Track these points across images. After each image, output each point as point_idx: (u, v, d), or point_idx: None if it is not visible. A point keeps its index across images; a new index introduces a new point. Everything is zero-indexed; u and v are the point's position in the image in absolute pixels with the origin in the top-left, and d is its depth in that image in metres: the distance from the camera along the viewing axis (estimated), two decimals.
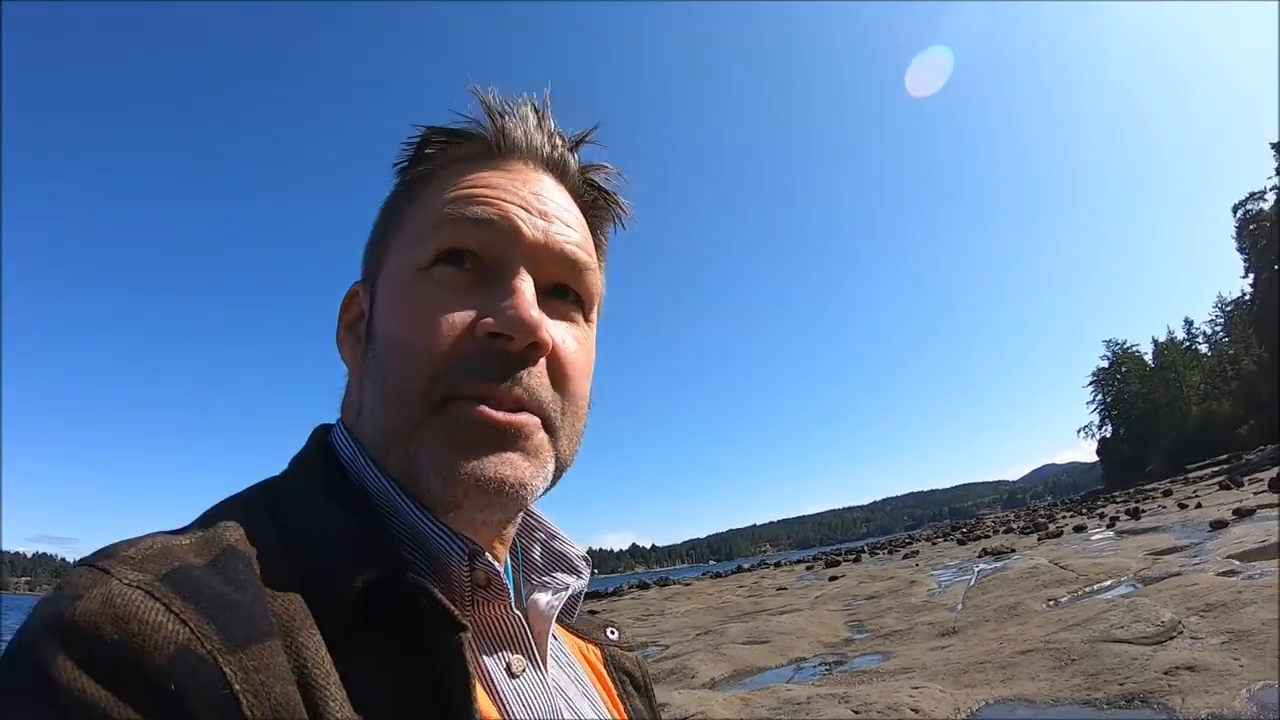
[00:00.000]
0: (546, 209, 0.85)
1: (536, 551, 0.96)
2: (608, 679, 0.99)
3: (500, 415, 0.74)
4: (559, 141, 0.91)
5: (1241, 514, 18.33)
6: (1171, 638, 7.54)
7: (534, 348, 0.77)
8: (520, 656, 0.80)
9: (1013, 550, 25.31)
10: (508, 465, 0.74)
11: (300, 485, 0.79)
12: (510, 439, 0.75)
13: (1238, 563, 11.26)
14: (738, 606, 22.41)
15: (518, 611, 0.81)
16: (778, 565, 57.69)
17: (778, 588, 29.18)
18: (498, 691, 0.75)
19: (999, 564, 20.47)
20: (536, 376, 0.78)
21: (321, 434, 0.87)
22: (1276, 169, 65.76)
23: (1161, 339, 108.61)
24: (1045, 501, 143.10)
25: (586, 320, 0.90)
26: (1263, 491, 24.15)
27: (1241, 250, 71.97)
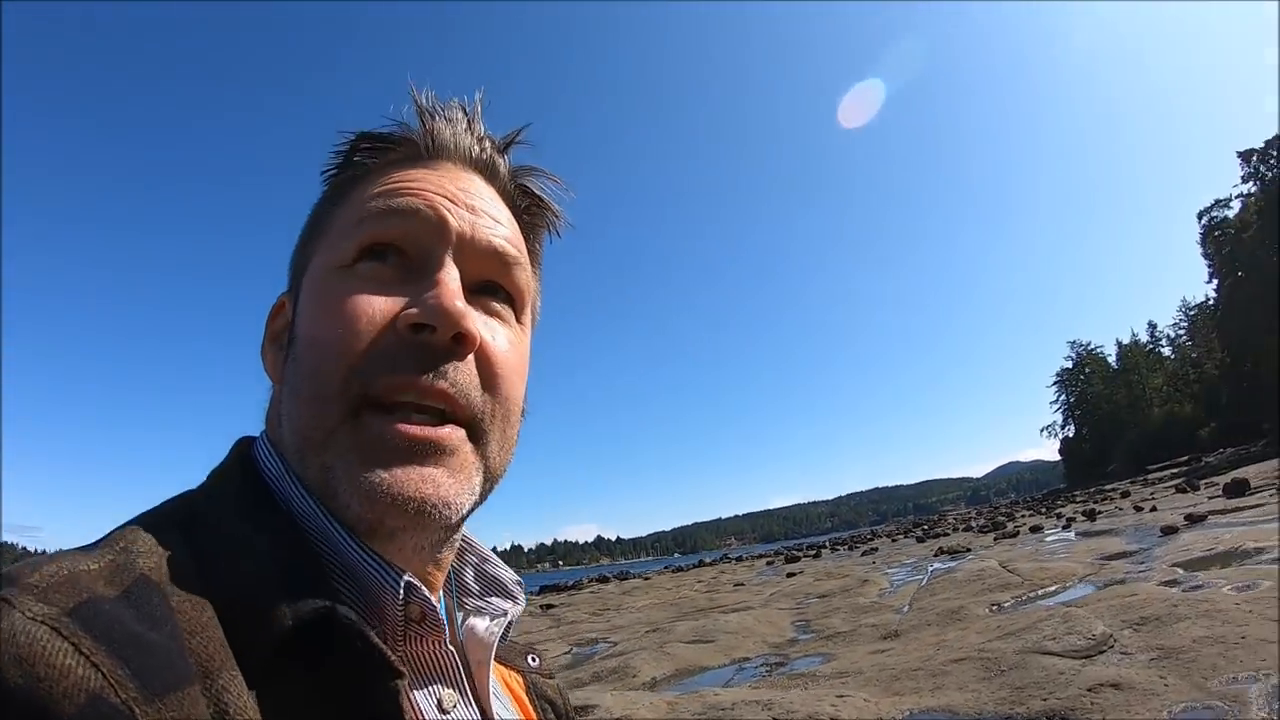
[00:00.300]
0: (474, 203, 0.83)
1: (470, 575, 0.93)
2: (530, 708, 0.97)
3: (417, 430, 0.71)
4: (489, 144, 0.90)
5: (1193, 519, 18.38)
6: (1101, 652, 7.38)
7: (460, 340, 0.74)
8: (452, 691, 0.76)
9: (968, 550, 25.37)
10: (429, 483, 0.70)
11: (220, 504, 0.73)
12: (431, 453, 0.71)
13: (1181, 572, 11.14)
14: (693, 602, 22.28)
15: (451, 648, 0.77)
16: (739, 560, 57.77)
17: (735, 583, 29.12)
18: None
19: (952, 564, 20.53)
20: (464, 373, 0.75)
21: (244, 446, 0.82)
22: (1242, 177, 67.20)
23: (1126, 341, 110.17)
24: (1008, 499, 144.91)
25: (519, 321, 0.87)
26: (1217, 496, 24.37)
27: (1206, 256, 72.79)
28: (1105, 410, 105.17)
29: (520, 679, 0.99)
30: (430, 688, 0.75)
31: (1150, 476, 55.72)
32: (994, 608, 11.79)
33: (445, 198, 0.81)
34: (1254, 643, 6.73)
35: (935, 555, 25.75)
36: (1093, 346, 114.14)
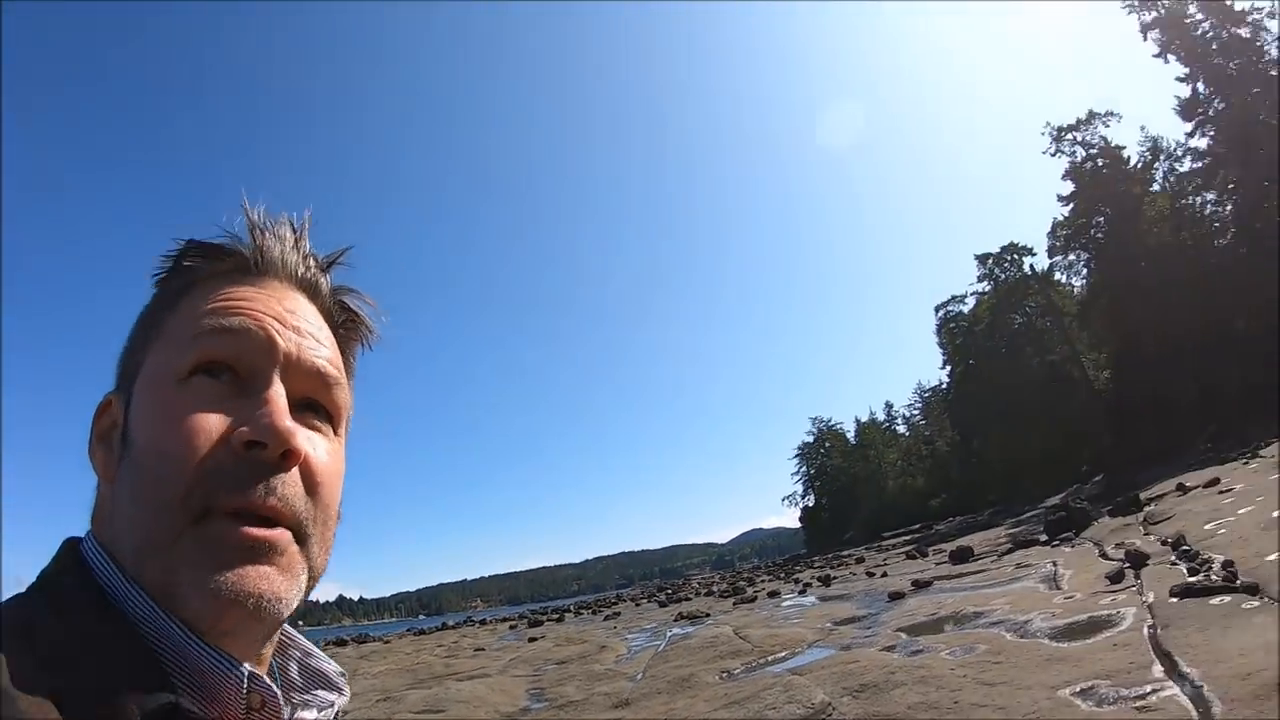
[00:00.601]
0: (299, 325, 0.89)
1: (294, 669, 0.94)
2: None
3: (256, 531, 0.76)
4: (312, 263, 0.96)
5: (919, 585, 18.82)
6: None
7: (287, 456, 0.80)
8: None
9: (708, 614, 25.28)
10: (265, 580, 0.75)
11: (58, 608, 0.73)
12: (265, 553, 0.76)
13: (904, 636, 11.31)
14: (429, 669, 21.36)
15: None
16: (483, 623, 56.19)
17: (476, 648, 28.17)
18: None
19: (690, 629, 20.43)
20: (291, 485, 0.80)
21: (72, 546, 0.82)
22: (979, 277, 73.50)
23: (864, 419, 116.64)
24: (751, 564, 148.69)
25: (336, 434, 0.92)
26: (944, 563, 25.23)
27: (941, 345, 79.50)
28: (843, 482, 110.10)
29: None
30: None
31: (884, 543, 58.51)
32: (724, 675, 11.61)
33: (274, 318, 0.85)
34: (966, 707, 6.72)
35: (675, 620, 25.59)
36: (833, 423, 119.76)
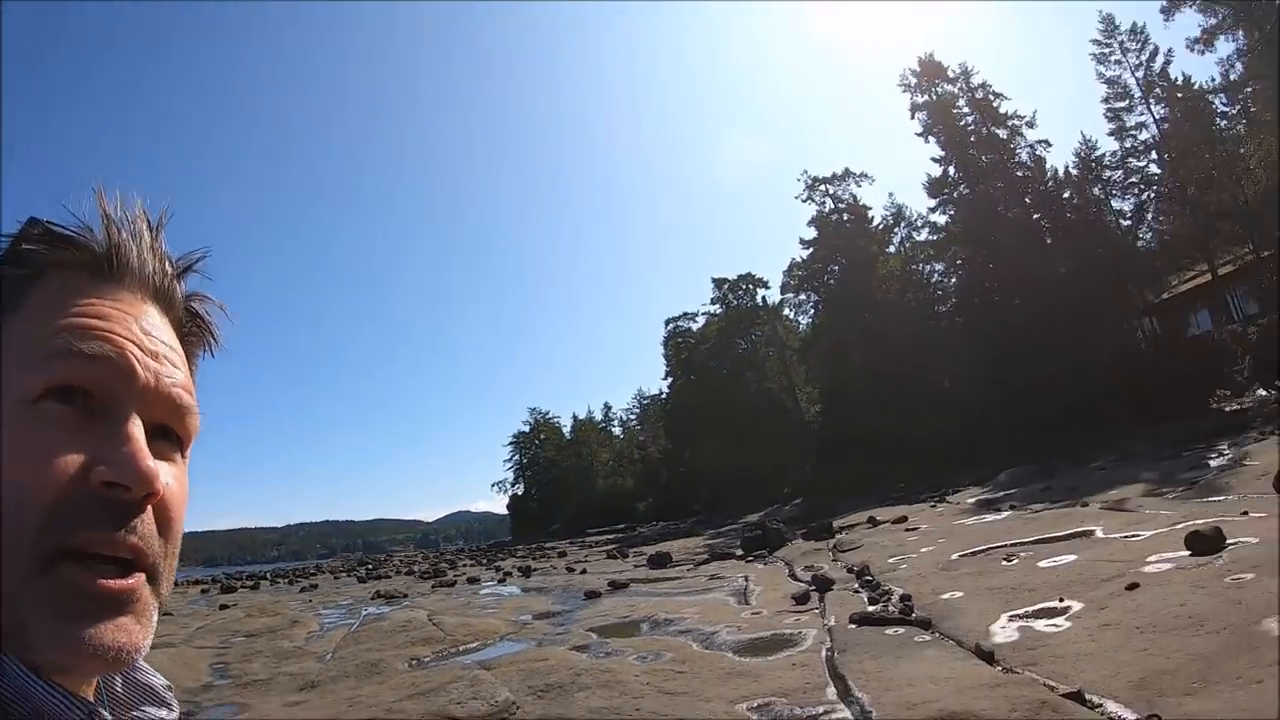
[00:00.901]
0: (157, 349, 0.82)
1: (119, 684, 0.88)
2: None
3: (114, 585, 0.72)
4: (168, 268, 0.89)
5: (616, 586, 18.97)
6: (501, 719, 7.16)
7: (148, 497, 0.75)
8: None
9: (405, 595, 25.01)
10: (124, 633, 0.72)
11: None
12: (123, 604, 0.73)
13: (595, 637, 11.34)
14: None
15: None
16: (175, 584, 53.13)
17: (163, 613, 26.14)
18: None
19: (386, 609, 20.13)
20: (148, 524, 0.75)
21: None
22: (713, 299, 78.14)
23: (582, 416, 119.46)
24: (456, 546, 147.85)
25: (184, 457, 0.87)
26: (643, 566, 25.49)
27: (666, 357, 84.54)
28: (555, 474, 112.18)
29: None
30: None
31: (588, 539, 59.21)
32: (413, 662, 11.36)
33: (134, 344, 0.79)
34: (647, 715, 6.75)
35: (372, 598, 25.15)
36: (550, 416, 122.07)
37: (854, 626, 9.06)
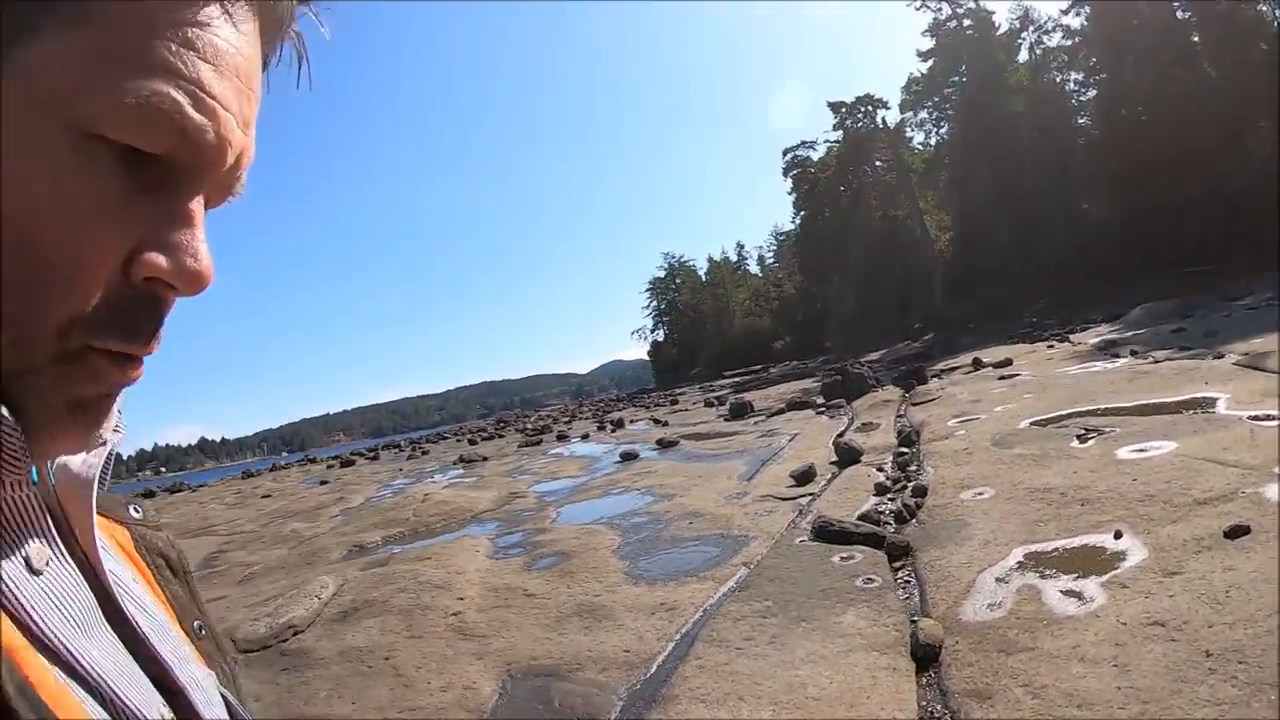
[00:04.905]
0: (250, 114, 0.61)
1: None
2: (142, 564, 0.78)
3: (132, 375, 0.60)
4: None
5: (665, 445, 16.84)
6: None
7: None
8: (41, 544, 0.60)
9: (485, 459, 23.93)
10: (108, 421, 0.61)
11: None
12: (115, 394, 0.60)
13: (550, 522, 9.44)
14: (183, 527, 19.38)
15: (30, 490, 0.60)
16: (313, 461, 54.63)
17: (263, 495, 26.42)
18: (11, 598, 0.55)
19: (438, 477, 19.96)
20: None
21: None
22: (834, 125, 71.17)
23: (716, 257, 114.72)
24: (611, 394, 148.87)
25: None
26: (723, 415, 23.17)
27: (792, 190, 77.72)
28: (692, 318, 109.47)
29: (126, 533, 0.78)
30: (10, 542, 0.57)
31: (718, 382, 57.24)
32: (350, 550, 10.36)
33: (236, 120, 0.58)
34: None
35: (454, 463, 24.47)
36: (685, 259, 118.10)
37: (809, 541, 6.29)
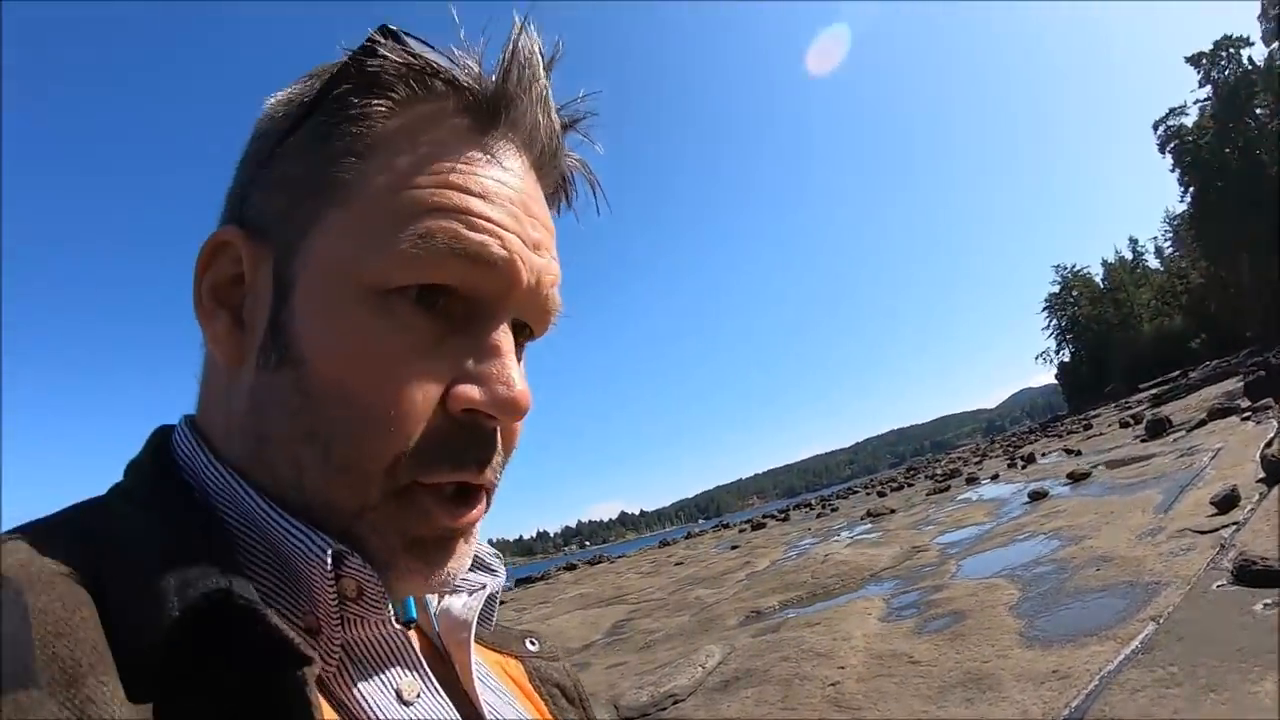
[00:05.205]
0: (540, 238, 0.66)
1: None
2: (536, 695, 0.84)
3: (466, 516, 0.63)
4: (555, 124, 0.69)
5: (1076, 478, 15.46)
6: None
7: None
8: (413, 677, 0.65)
9: (892, 511, 23.19)
10: (455, 561, 0.64)
11: (123, 494, 0.62)
12: (462, 533, 0.65)
13: (952, 575, 8.84)
14: (598, 596, 20.84)
15: (398, 626, 0.65)
16: (726, 527, 56.03)
17: (675, 562, 27.37)
18: None
19: (844, 534, 19.52)
20: (497, 450, 0.65)
21: (160, 436, 0.67)
22: (1199, 82, 64.08)
23: (1111, 260, 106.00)
24: (1023, 426, 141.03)
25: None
26: (1140, 436, 20.94)
27: (1174, 166, 69.36)
28: (1096, 331, 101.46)
29: (520, 665, 0.85)
30: (383, 676, 0.63)
31: (1131, 399, 52.60)
32: (748, 616, 10.27)
33: (519, 237, 0.63)
34: None
35: (862, 518, 23.77)
36: (1078, 268, 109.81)
37: (1228, 586, 5.46)
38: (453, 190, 0.60)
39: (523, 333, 0.69)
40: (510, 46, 0.63)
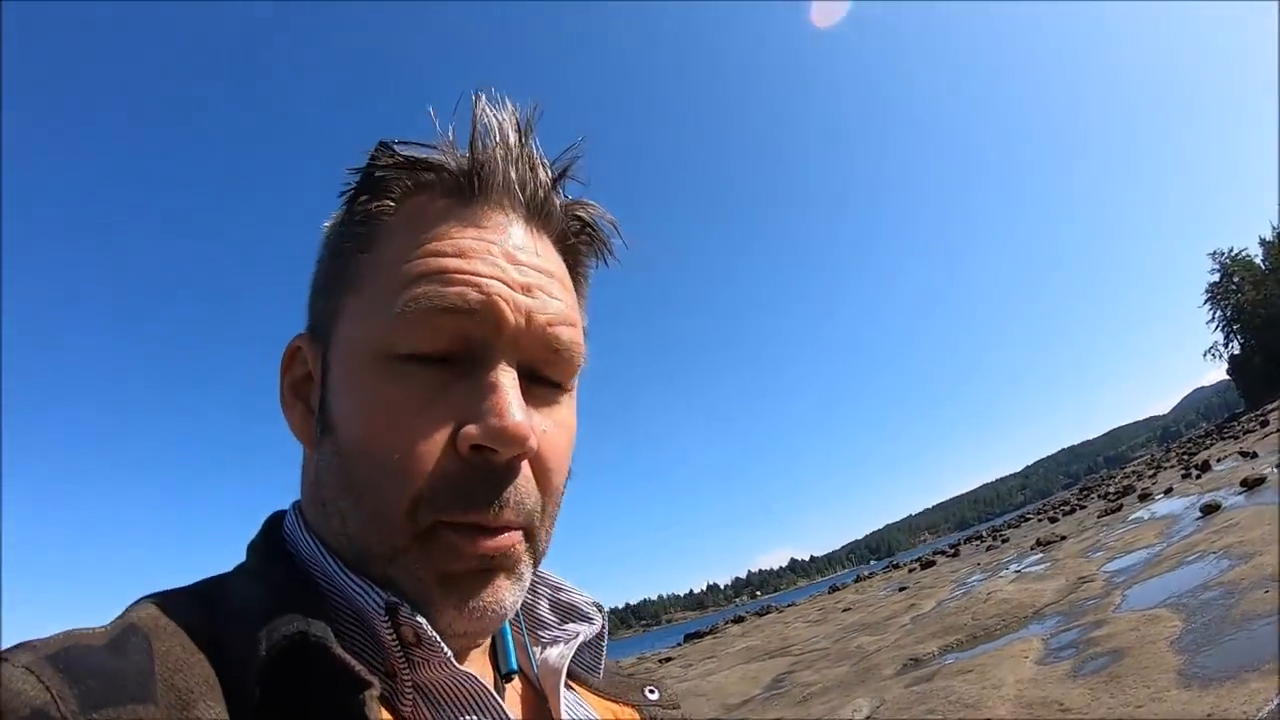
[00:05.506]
0: (529, 280, 0.73)
1: (543, 607, 0.89)
2: None
3: (490, 545, 0.68)
4: (541, 175, 0.77)
5: (1249, 484, 14.74)
6: None
7: (519, 456, 0.70)
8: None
9: (1063, 539, 22.97)
10: (492, 594, 0.70)
11: (239, 569, 0.73)
12: (496, 566, 0.70)
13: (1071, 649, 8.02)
14: (764, 648, 21.16)
15: (467, 670, 0.68)
16: (897, 567, 55.82)
17: (843, 608, 27.35)
18: None
19: (1010, 566, 19.52)
20: (522, 488, 0.70)
21: (271, 519, 0.79)
22: None
23: (1269, 236, 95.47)
24: (1200, 430, 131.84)
25: (566, 391, 0.79)
26: None
27: None
28: (1265, 317, 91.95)
29: (637, 715, 0.90)
30: (457, 718, 0.69)
31: None
32: (906, 664, 10.00)
33: (501, 281, 0.70)
34: None
35: (1032, 547, 23.68)
36: (1236, 252, 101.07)
37: None
38: (432, 257, 0.69)
39: (540, 381, 0.74)
40: (472, 123, 0.72)
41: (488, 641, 0.80)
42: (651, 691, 0.93)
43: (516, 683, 0.81)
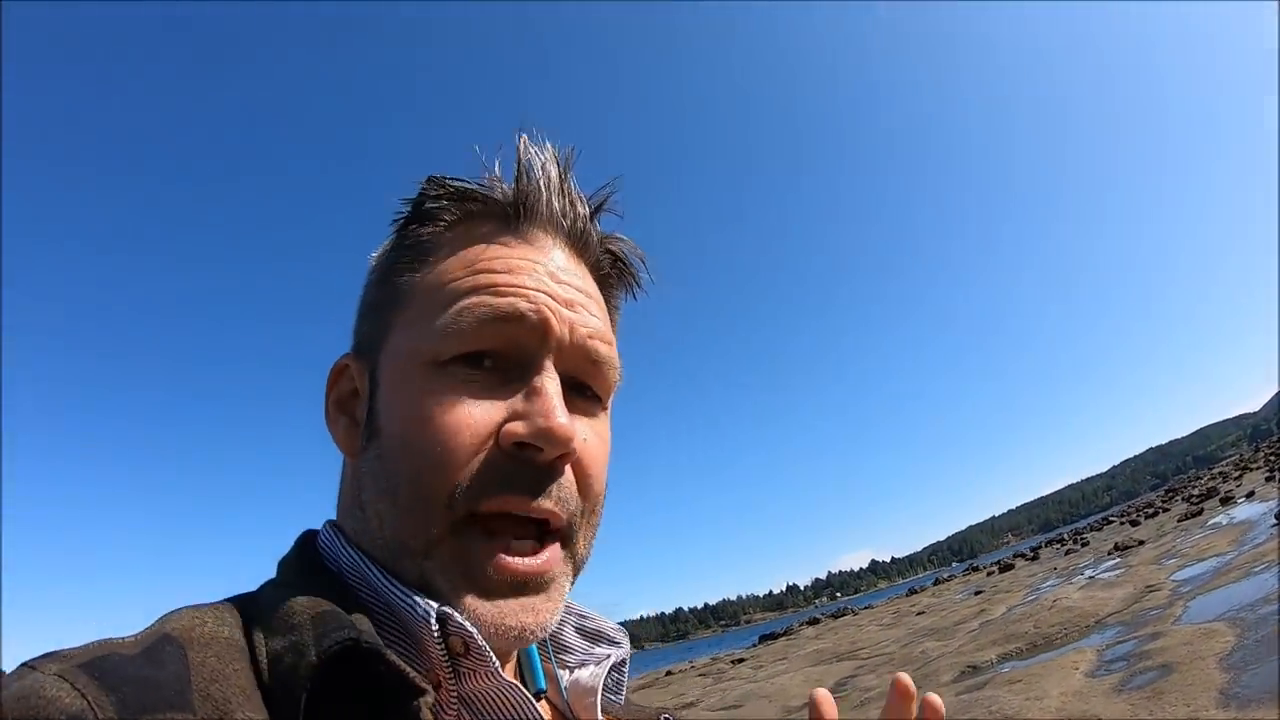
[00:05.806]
0: (572, 297, 0.79)
1: (569, 635, 0.92)
2: None
3: (522, 566, 0.71)
4: (580, 208, 0.85)
5: None
6: None
7: (563, 457, 0.75)
8: None
9: (1140, 543, 22.30)
10: (529, 612, 0.72)
11: (272, 583, 0.75)
12: (533, 585, 0.73)
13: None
14: (833, 651, 20.98)
15: (511, 679, 0.70)
16: (976, 569, 54.89)
17: (917, 612, 27.32)
18: None
19: (1085, 572, 19.18)
20: (566, 485, 0.75)
21: (304, 535, 0.82)
22: None
23: None
24: None
25: (603, 408, 0.85)
26: None
27: None
28: None
29: None
30: None
31: None
32: (963, 671, 10.25)
33: (547, 295, 0.76)
34: None
35: (1109, 552, 23.13)
36: None
37: None
38: (482, 273, 0.75)
39: (583, 392, 0.80)
40: (516, 159, 0.80)
41: (514, 661, 0.83)
42: (667, 718, 0.97)
43: (545, 704, 0.83)
